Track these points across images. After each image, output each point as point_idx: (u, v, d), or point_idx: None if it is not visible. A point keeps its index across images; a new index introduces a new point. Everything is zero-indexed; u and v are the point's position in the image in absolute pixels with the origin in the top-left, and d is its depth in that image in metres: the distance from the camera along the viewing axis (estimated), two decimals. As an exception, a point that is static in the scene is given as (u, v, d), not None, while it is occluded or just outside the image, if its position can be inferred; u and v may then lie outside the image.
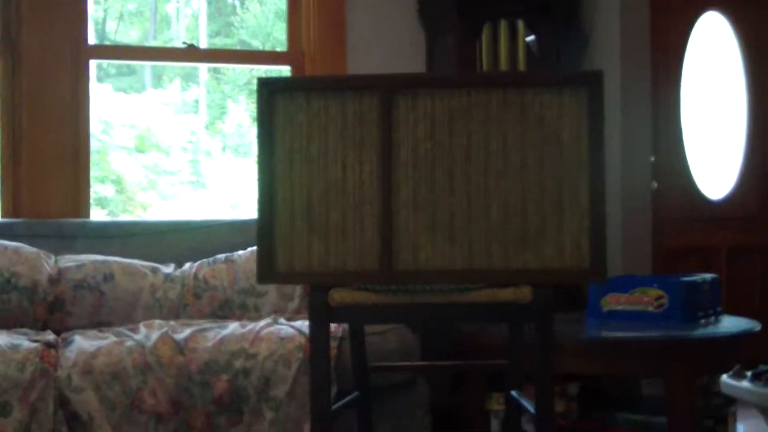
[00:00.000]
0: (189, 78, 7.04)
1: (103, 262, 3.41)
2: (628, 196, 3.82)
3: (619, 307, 3.13)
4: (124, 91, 6.93)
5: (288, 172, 2.09)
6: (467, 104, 2.07)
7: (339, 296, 2.05)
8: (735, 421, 3.09)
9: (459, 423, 3.11)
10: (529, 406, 2.07)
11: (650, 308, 3.08)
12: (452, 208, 2.05)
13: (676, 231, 4.37)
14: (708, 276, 3.20)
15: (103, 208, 6.36)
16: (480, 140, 2.06)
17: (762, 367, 2.28)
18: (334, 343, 2.91)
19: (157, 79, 7.02)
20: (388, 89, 2.07)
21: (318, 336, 2.04)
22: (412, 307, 2.04)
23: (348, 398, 2.28)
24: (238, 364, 2.87)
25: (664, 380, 2.83)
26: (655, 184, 4.24)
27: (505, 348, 2.40)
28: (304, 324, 2.99)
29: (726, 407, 3.03)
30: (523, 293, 2.00)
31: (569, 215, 2.02)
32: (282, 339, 2.93)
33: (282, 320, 3.15)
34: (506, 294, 2.00)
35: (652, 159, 4.23)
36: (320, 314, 2.04)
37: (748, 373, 2.28)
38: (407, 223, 2.05)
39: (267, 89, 2.10)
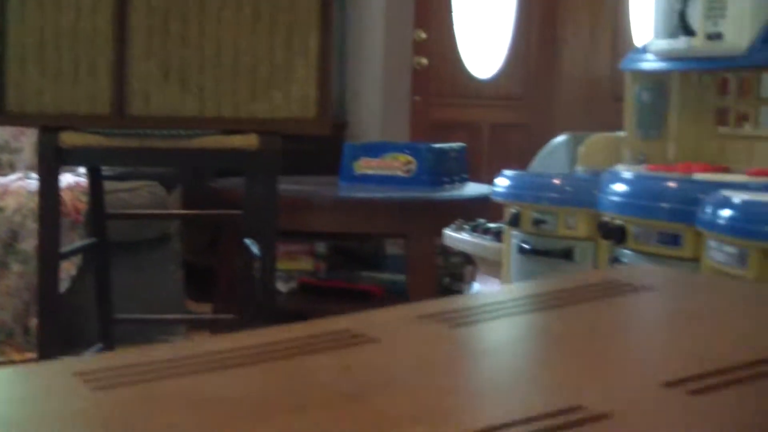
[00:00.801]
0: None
1: None
2: (392, 69, 3.92)
3: (371, 171, 3.24)
4: None
5: (20, 14, 2.06)
6: (205, -46, 2.08)
7: (69, 139, 2.05)
8: (470, 278, 3.29)
9: (211, 279, 3.19)
10: (258, 251, 2.15)
11: (399, 173, 3.21)
12: (185, 57, 2.08)
13: (443, 106, 4.53)
14: (456, 145, 3.36)
15: None
16: (216, -9, 2.08)
17: (480, 221, 2.44)
18: (85, 198, 2.91)
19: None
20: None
21: (47, 177, 2.04)
22: (141, 151, 2.07)
23: (80, 244, 2.31)
24: (-16, 217, 2.84)
25: (406, 240, 2.98)
26: (424, 60, 4.36)
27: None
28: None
29: (463, 266, 3.22)
30: (251, 141, 2.06)
31: (298, 67, 2.08)
32: (31, 193, 2.90)
33: (33, 175, 3.12)
34: (233, 141, 2.06)
35: (423, 35, 4.34)
36: (49, 156, 2.04)
37: (467, 227, 2.44)
38: (140, 70, 2.07)
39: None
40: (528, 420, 0.50)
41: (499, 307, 0.77)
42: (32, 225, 2.86)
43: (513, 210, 2.18)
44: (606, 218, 2.02)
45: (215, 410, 0.54)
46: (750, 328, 0.72)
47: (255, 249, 2.26)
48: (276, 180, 2.08)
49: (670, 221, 1.91)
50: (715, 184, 1.85)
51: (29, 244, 2.85)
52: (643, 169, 2.02)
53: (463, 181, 3.36)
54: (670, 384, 0.57)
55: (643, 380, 0.58)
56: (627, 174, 1.99)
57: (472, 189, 3.24)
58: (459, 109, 4.57)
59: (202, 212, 2.62)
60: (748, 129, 2.00)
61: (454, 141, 3.53)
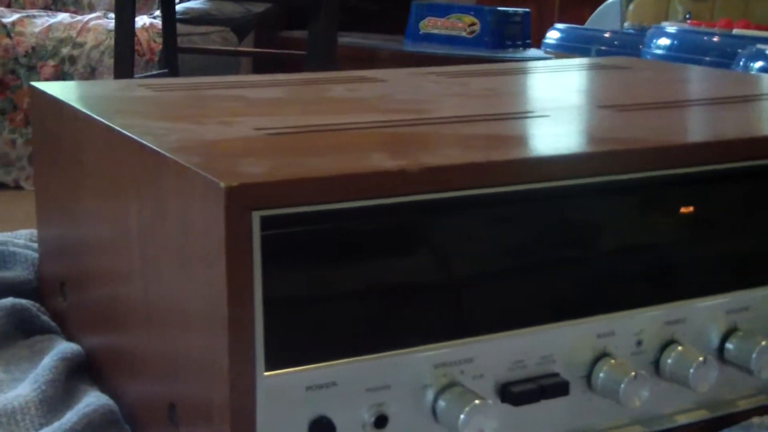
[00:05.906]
0: None
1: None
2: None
3: (435, 31, 3.34)
4: None
5: None
6: None
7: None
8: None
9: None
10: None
11: (463, 33, 3.30)
12: None
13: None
14: (520, 10, 3.42)
15: None
16: None
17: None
18: (159, 39, 3.06)
19: None
20: None
21: (122, 13, 2.19)
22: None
23: (152, 73, 2.46)
24: (65, 51, 3.00)
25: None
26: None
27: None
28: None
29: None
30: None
31: None
32: (109, 31, 3.06)
33: (111, 15, 3.27)
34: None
35: None
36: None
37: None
38: None
39: None
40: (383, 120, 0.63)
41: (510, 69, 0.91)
42: (109, 60, 3.02)
43: (561, 62, 2.27)
44: (648, 71, 2.11)
45: (263, 103, 0.70)
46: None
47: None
48: (335, 23, 2.19)
49: (708, 75, 1.99)
50: (753, 38, 1.92)
51: (107, 78, 3.02)
52: (686, 25, 2.10)
53: (526, 46, 3.44)
54: (604, 107, 0.69)
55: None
56: (671, 29, 2.07)
57: (532, 53, 3.32)
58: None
59: (265, 50, 2.75)
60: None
61: (530, 6, 3.59)
